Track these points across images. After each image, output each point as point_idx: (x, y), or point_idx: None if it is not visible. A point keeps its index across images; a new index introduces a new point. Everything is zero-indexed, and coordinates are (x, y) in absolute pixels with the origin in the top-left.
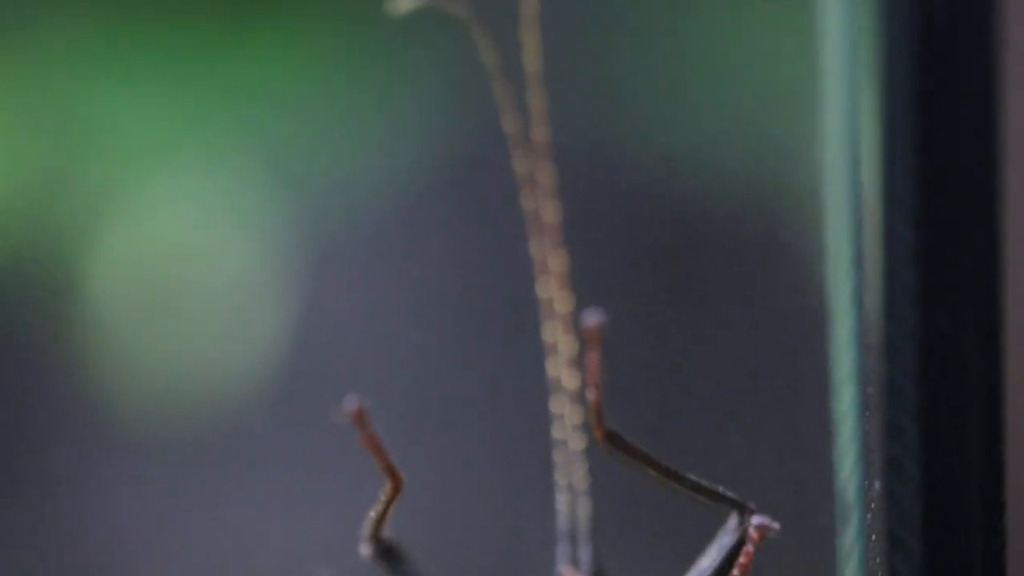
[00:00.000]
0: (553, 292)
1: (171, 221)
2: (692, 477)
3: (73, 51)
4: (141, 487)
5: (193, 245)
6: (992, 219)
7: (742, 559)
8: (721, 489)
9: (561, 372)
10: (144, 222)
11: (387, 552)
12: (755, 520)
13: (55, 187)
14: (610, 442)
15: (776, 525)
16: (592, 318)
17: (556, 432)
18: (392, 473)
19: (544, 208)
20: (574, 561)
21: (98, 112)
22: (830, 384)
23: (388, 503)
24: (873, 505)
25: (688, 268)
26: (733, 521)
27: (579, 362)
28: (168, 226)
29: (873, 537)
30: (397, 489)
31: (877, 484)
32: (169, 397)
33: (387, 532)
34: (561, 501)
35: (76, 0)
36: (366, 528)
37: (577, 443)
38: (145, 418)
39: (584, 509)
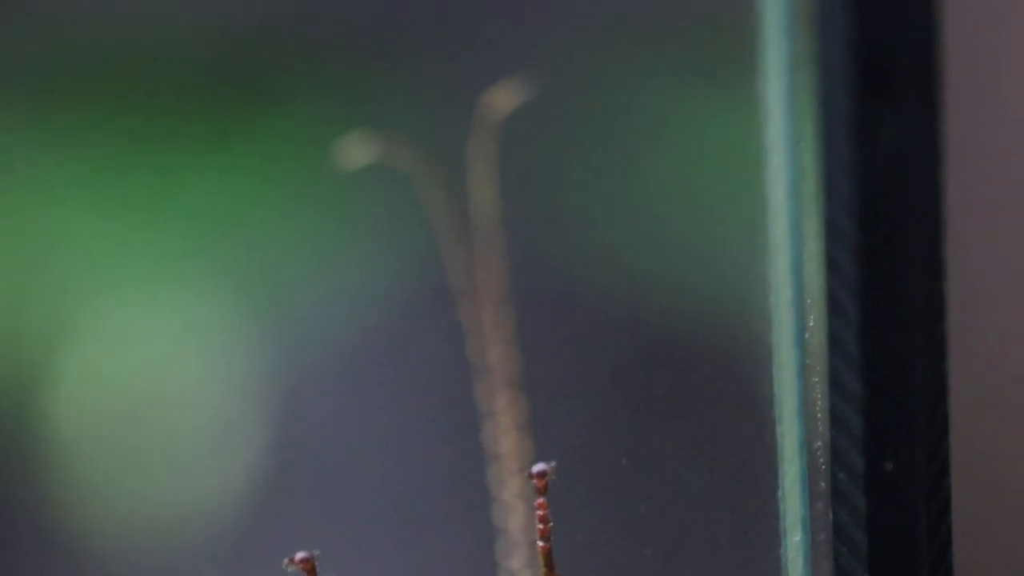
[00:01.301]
0: (506, 441)
1: (138, 350)
2: None
3: (34, 177)
4: None
5: (162, 373)
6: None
7: None
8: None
9: (511, 519)
10: (110, 351)
11: None
12: None
13: (18, 316)
14: None
15: None
16: (539, 469)
17: None
18: None
19: (497, 355)
20: None
21: (60, 239)
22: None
23: None
24: None
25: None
26: None
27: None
28: (135, 355)
29: None
30: None
31: None
32: (141, 533)
33: None
34: None
35: (39, 118)
36: None
37: None
38: (115, 553)
39: None
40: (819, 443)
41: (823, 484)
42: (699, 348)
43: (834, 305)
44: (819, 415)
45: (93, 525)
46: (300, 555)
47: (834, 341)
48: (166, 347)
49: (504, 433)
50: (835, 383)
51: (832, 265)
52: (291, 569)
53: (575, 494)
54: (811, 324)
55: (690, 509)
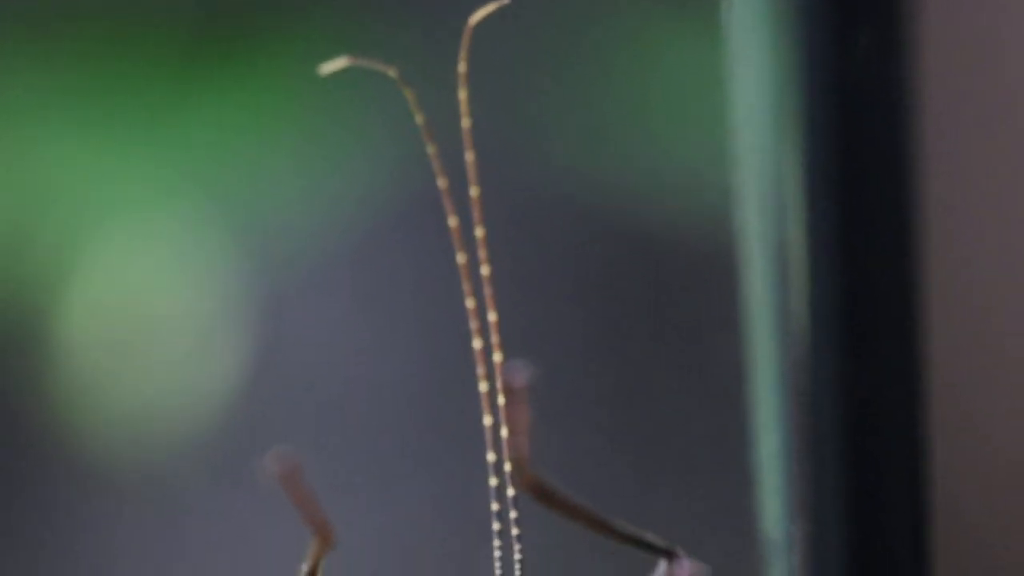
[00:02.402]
0: (486, 342)
1: (131, 270)
2: (619, 523)
3: (31, 107)
4: (106, 520)
5: (153, 290)
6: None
7: None
8: (648, 535)
9: (495, 420)
10: (105, 271)
11: None
12: (681, 565)
13: (18, 240)
14: (536, 490)
15: (702, 570)
16: (517, 371)
17: (492, 479)
18: (323, 527)
19: (476, 258)
20: None
21: (58, 166)
22: (753, 430)
23: (319, 556)
24: (798, 547)
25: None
26: (661, 566)
27: (506, 412)
28: (128, 274)
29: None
30: (328, 543)
31: (802, 527)
32: (136, 436)
33: None
34: (496, 548)
35: (37, 57)
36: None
37: (512, 490)
38: (113, 456)
39: (519, 556)
40: (793, 346)
41: (797, 385)
42: (669, 256)
43: (809, 211)
44: (793, 322)
45: (91, 425)
46: (279, 463)
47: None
48: (158, 267)
49: (482, 336)
50: (811, 287)
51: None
52: (277, 471)
53: (550, 397)
54: (780, 237)
55: (663, 406)
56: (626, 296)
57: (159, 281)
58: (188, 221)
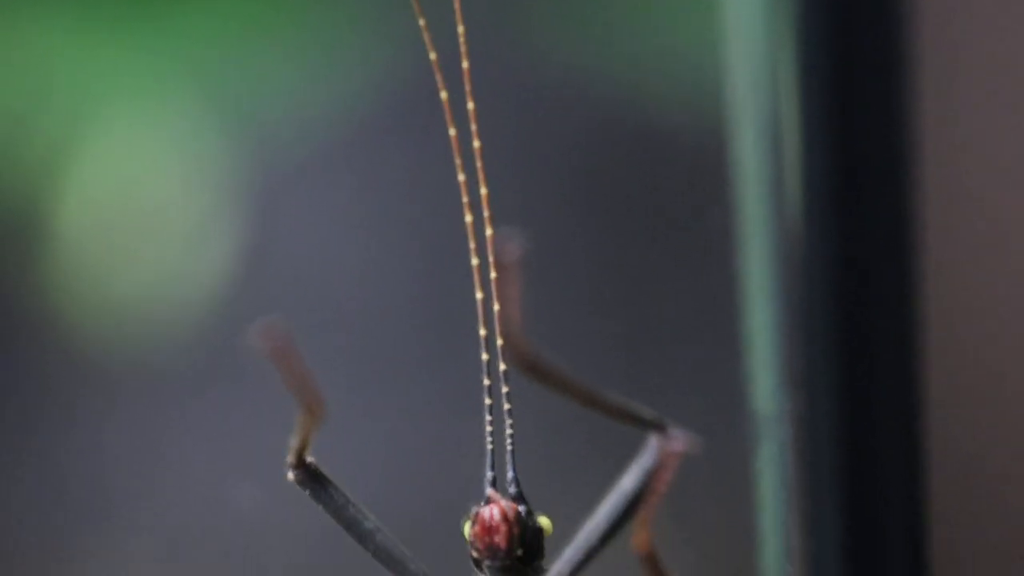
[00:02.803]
0: (477, 216)
1: (128, 159)
2: (611, 397)
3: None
4: (101, 408)
5: (150, 180)
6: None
7: (659, 478)
8: (641, 409)
9: (486, 295)
10: (102, 160)
11: (312, 477)
12: (673, 439)
13: (15, 130)
14: (527, 364)
15: (694, 444)
16: (508, 245)
17: (483, 354)
18: (314, 399)
19: (468, 135)
20: (499, 484)
21: (56, 55)
22: (743, 302)
23: (309, 427)
24: (789, 421)
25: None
26: (654, 441)
27: (498, 286)
28: (125, 163)
29: (790, 455)
30: (318, 416)
31: (793, 401)
32: (131, 325)
33: (311, 456)
34: (488, 422)
35: None
36: (289, 454)
37: (503, 364)
38: (108, 344)
39: (510, 431)
40: (786, 219)
41: (786, 259)
42: (660, 129)
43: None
44: (786, 194)
45: (86, 314)
46: (268, 333)
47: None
48: (155, 156)
49: (473, 211)
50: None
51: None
52: (266, 340)
53: (541, 271)
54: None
55: (654, 280)
56: (617, 170)
57: (155, 171)
58: (185, 111)
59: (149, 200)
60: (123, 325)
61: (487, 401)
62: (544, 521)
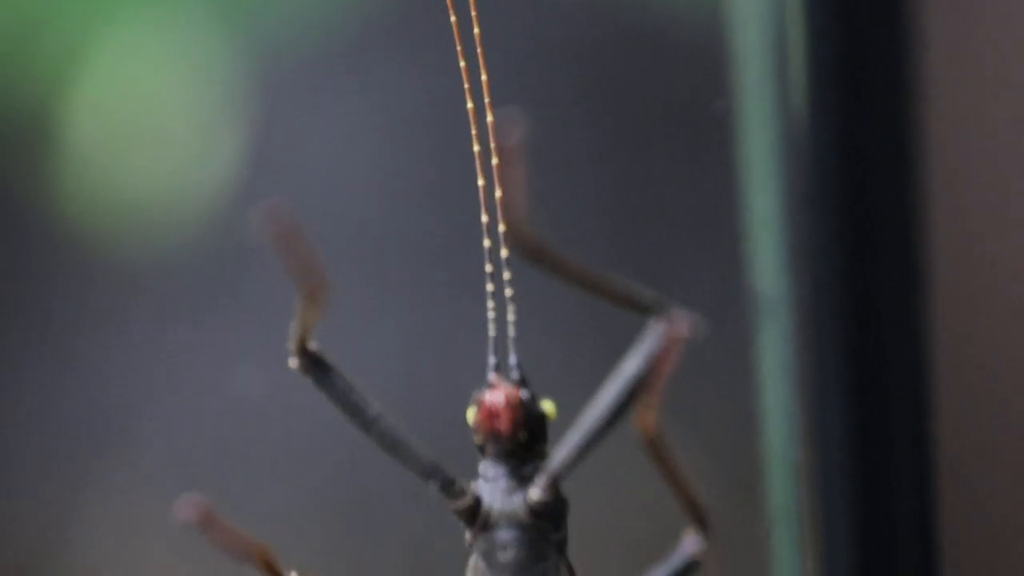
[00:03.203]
0: (478, 102)
1: (133, 65)
2: (613, 281)
3: None
4: (109, 313)
5: (157, 83)
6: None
7: (663, 361)
8: (643, 292)
9: (488, 182)
10: (108, 65)
11: (315, 363)
12: (676, 321)
13: (23, 34)
14: (529, 250)
15: (698, 326)
16: (510, 129)
17: (485, 240)
18: (317, 282)
19: (468, 21)
20: (502, 369)
21: None
22: (746, 186)
23: (311, 312)
24: (794, 307)
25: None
26: (657, 324)
27: (500, 171)
28: (133, 67)
29: (793, 337)
30: (321, 298)
31: (798, 286)
32: (140, 227)
33: (314, 343)
34: (490, 309)
35: None
36: (291, 340)
37: (505, 250)
38: (114, 249)
39: (512, 317)
40: (789, 103)
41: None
42: (659, 18)
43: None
44: (790, 81)
45: (93, 219)
46: (275, 209)
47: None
48: (160, 62)
49: (473, 97)
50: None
51: None
52: (269, 222)
53: (543, 157)
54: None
55: (657, 166)
56: (619, 56)
57: (162, 74)
58: (191, 16)
59: (156, 104)
60: (131, 228)
61: (489, 288)
62: (548, 406)
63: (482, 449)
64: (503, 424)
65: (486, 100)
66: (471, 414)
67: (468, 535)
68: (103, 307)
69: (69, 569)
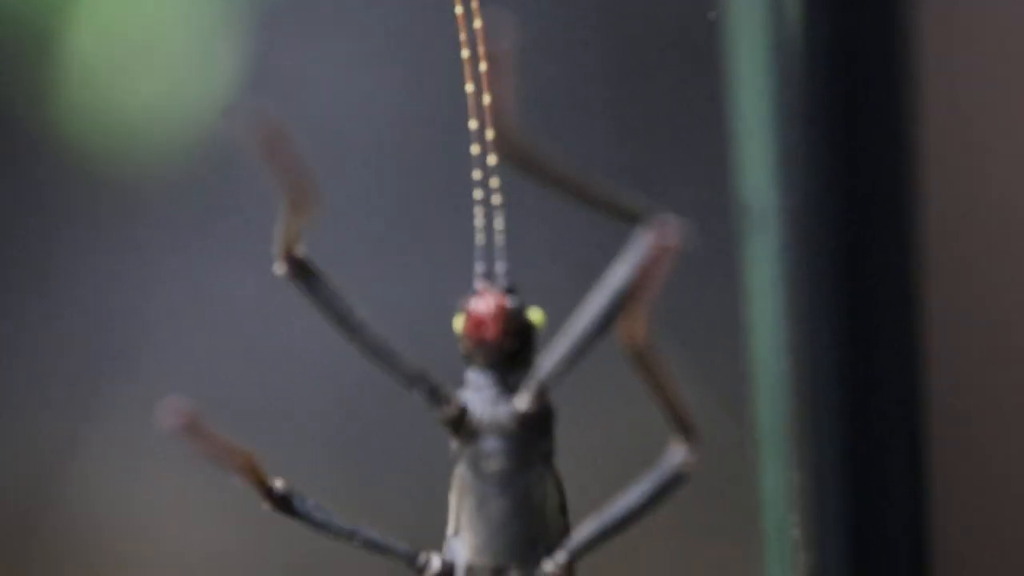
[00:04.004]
0: (467, 7)
1: None
2: (603, 189)
3: None
4: (110, 230)
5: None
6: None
7: (651, 270)
8: (632, 200)
9: (477, 86)
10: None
11: (302, 270)
12: (666, 229)
13: None
14: (517, 156)
15: (686, 235)
16: (500, 35)
17: (473, 147)
18: (304, 188)
19: None
20: (490, 277)
21: None
22: (735, 94)
23: (297, 218)
24: (785, 218)
25: None
26: (645, 232)
27: (489, 77)
28: None
29: (784, 249)
30: (308, 204)
31: (790, 197)
32: (138, 145)
33: (301, 249)
34: (478, 217)
35: None
36: (276, 246)
37: (493, 157)
38: (115, 165)
39: (500, 226)
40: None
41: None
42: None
43: None
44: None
45: (94, 135)
46: (264, 115)
47: None
48: None
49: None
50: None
51: None
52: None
53: (533, 62)
54: None
55: (645, 75)
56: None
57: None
58: None
59: (156, 22)
60: (130, 146)
61: (477, 195)
62: (535, 314)
63: (469, 358)
64: (490, 332)
65: (474, 4)
66: (458, 322)
67: (454, 445)
68: (103, 225)
69: (72, 491)
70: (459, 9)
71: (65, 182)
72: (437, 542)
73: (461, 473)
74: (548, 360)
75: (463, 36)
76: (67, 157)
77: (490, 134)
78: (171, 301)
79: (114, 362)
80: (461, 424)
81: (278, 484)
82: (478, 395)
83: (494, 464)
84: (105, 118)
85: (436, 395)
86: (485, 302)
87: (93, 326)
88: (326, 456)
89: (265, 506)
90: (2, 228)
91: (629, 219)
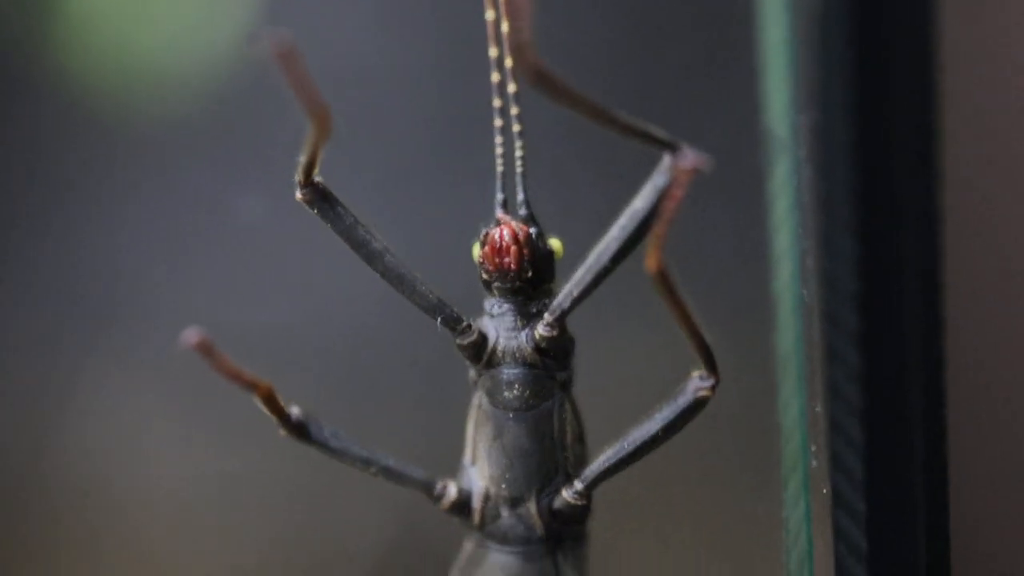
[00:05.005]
0: None
1: None
2: (623, 115)
3: None
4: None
5: None
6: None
7: (671, 197)
8: (652, 128)
9: (496, 14)
10: None
11: (321, 196)
12: (685, 157)
13: None
14: (538, 79)
15: (706, 162)
16: None
17: (494, 75)
18: (321, 109)
19: None
20: (509, 206)
21: None
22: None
23: (317, 143)
24: (805, 138)
25: None
26: (666, 159)
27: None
28: None
29: (804, 171)
30: (326, 129)
31: (808, 118)
32: (143, 85)
33: (319, 176)
34: (498, 145)
35: None
36: (298, 172)
37: (513, 86)
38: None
39: (520, 153)
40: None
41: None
42: None
43: None
44: None
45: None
46: (278, 36)
47: None
48: None
49: None
50: None
51: None
52: (273, 48)
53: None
54: None
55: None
56: None
57: None
58: None
59: None
60: (136, 87)
61: (498, 123)
62: (555, 243)
63: (488, 286)
64: (510, 260)
65: None
66: (478, 250)
67: (472, 373)
68: (110, 164)
69: (71, 432)
70: None
71: (70, 122)
72: (451, 473)
73: (479, 402)
74: (568, 287)
75: None
76: (71, 95)
77: (510, 62)
78: (179, 238)
79: (120, 300)
80: (480, 352)
81: (295, 411)
82: (497, 323)
83: (513, 392)
84: (109, 57)
85: (456, 323)
86: (505, 230)
87: (98, 266)
88: (338, 388)
89: (282, 433)
90: (7, 168)
91: (650, 144)
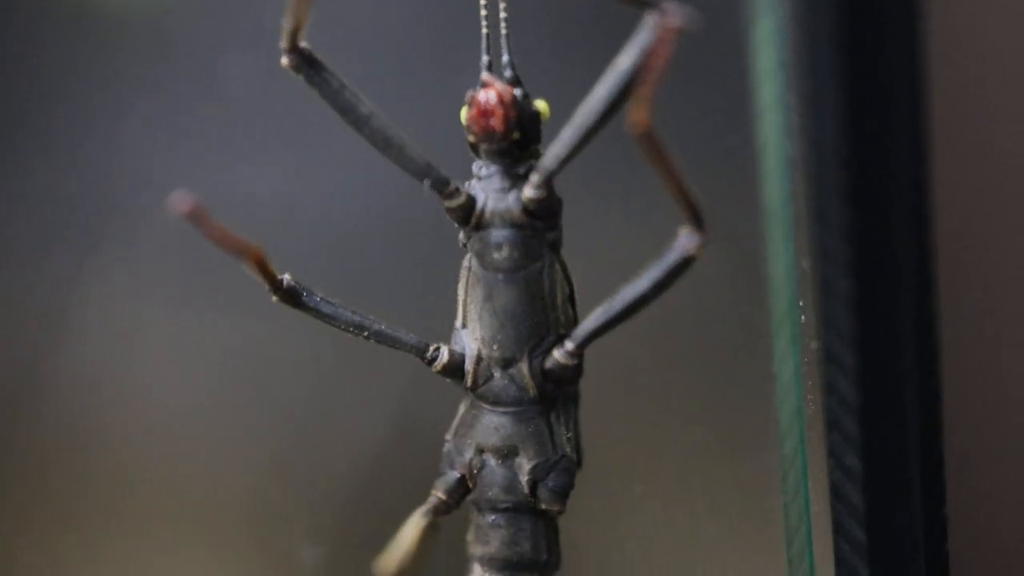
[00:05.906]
0: None
1: None
2: None
3: None
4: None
5: None
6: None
7: (656, 54)
8: None
9: None
10: None
11: (306, 61)
12: (670, 14)
13: None
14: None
15: (692, 19)
16: None
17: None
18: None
19: None
20: (495, 68)
21: None
22: None
23: (300, 7)
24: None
25: None
26: (651, 19)
27: None
28: None
29: (793, 37)
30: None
31: None
32: None
33: (304, 42)
34: (482, 6)
35: None
36: (282, 38)
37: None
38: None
39: (504, 14)
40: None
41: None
42: None
43: None
44: None
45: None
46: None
47: None
48: None
49: None
50: None
51: None
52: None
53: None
54: None
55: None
56: None
57: None
58: None
59: None
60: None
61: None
62: (541, 104)
63: (475, 148)
64: (496, 122)
65: None
66: (464, 113)
67: (462, 235)
68: (106, 60)
69: (68, 347)
70: None
71: (64, 17)
72: (444, 339)
73: (468, 264)
74: (555, 147)
75: None
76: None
77: None
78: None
79: (112, 199)
80: (469, 214)
81: (287, 277)
82: (485, 185)
83: (502, 253)
84: None
85: (443, 185)
86: (491, 92)
87: (90, 168)
88: (330, 255)
89: (274, 299)
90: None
91: (634, 4)
